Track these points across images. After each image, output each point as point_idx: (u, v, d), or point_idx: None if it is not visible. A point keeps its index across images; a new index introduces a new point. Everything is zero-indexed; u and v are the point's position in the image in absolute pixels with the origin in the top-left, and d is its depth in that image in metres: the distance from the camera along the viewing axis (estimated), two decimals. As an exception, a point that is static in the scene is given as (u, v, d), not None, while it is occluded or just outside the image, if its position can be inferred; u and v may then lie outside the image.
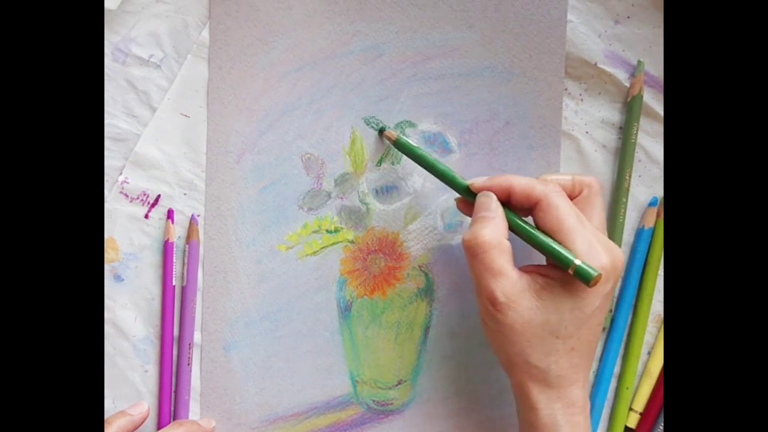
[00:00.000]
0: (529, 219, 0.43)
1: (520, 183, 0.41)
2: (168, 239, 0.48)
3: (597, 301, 0.40)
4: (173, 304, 0.48)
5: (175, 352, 0.48)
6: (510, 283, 0.40)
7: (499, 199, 0.42)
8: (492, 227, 0.41)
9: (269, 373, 0.49)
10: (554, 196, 0.40)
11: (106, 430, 0.44)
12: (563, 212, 0.40)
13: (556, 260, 0.40)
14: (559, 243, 0.40)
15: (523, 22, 0.48)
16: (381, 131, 0.48)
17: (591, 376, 0.50)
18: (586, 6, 0.48)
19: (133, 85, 0.48)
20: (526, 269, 0.42)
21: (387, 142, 0.48)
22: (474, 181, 0.43)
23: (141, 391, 0.48)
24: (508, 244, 0.41)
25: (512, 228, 0.42)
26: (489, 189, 0.42)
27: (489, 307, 0.41)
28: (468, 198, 0.44)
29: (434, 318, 0.49)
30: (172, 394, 0.48)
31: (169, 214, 0.48)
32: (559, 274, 0.40)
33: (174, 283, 0.48)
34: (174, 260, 0.48)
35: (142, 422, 0.47)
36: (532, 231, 0.41)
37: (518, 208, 0.42)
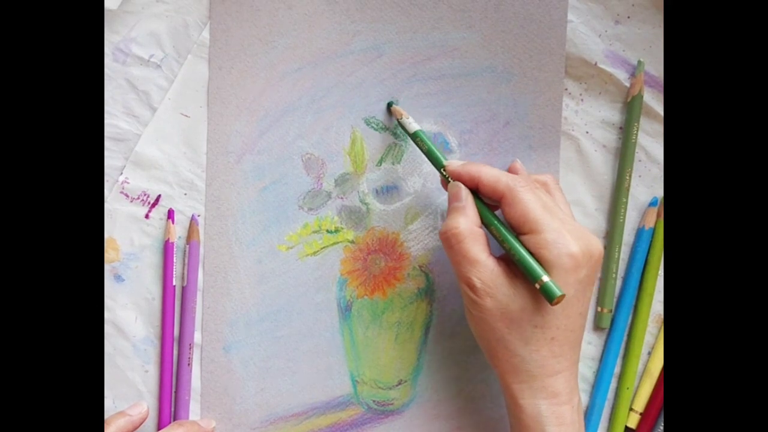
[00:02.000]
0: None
1: (487, 176, 0.42)
2: (168, 239, 0.48)
3: (571, 290, 0.40)
4: (173, 304, 0.48)
5: (175, 352, 0.48)
6: (486, 269, 0.41)
7: (470, 188, 0.43)
8: (464, 217, 0.42)
9: (269, 373, 0.49)
10: (519, 191, 0.41)
11: (105, 430, 0.44)
12: (528, 205, 0.41)
13: (525, 272, 0.40)
14: (530, 233, 0.41)
15: (524, 22, 0.48)
16: (389, 105, 0.48)
17: (591, 376, 0.50)
18: (587, 6, 0.48)
19: (134, 85, 0.48)
20: (503, 257, 0.42)
21: (394, 119, 0.48)
22: (449, 163, 0.44)
23: (141, 391, 0.48)
24: (480, 231, 0.42)
25: (487, 227, 0.43)
26: (460, 176, 0.43)
27: (469, 293, 0.41)
28: (446, 179, 0.44)
29: (434, 318, 0.49)
30: (173, 394, 0.48)
31: (170, 214, 0.48)
32: None
33: (174, 283, 0.48)
34: (174, 260, 0.48)
35: (141, 422, 0.47)
36: (505, 239, 0.41)
37: (487, 200, 0.43)
